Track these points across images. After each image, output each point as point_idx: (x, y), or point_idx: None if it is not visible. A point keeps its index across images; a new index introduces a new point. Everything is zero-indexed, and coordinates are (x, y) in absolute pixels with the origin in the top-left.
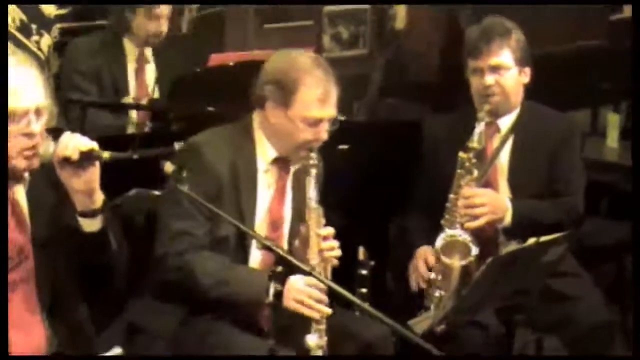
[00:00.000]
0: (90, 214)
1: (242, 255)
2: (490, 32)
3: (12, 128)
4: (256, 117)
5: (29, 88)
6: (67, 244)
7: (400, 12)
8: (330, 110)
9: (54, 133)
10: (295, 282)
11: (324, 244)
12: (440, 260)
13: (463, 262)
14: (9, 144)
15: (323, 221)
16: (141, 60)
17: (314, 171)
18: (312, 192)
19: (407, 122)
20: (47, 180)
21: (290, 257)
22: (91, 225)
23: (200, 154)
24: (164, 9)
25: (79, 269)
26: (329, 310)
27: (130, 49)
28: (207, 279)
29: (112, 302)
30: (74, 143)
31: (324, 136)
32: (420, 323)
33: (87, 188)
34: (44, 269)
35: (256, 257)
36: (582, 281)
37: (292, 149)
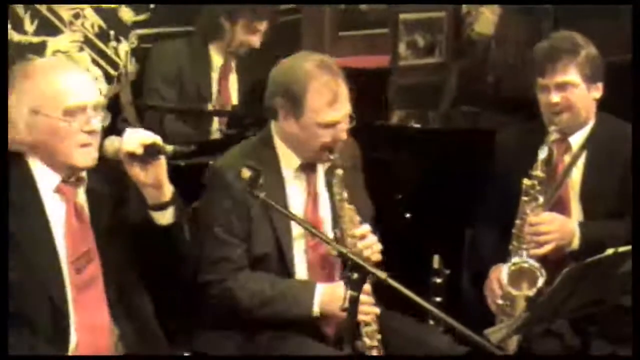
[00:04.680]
0: (161, 207)
1: (286, 271)
2: (556, 49)
3: (72, 125)
4: (274, 128)
5: (83, 86)
6: (140, 239)
7: (484, 17)
8: (342, 111)
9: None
10: (340, 291)
11: (361, 244)
12: (507, 290)
13: (530, 293)
14: (68, 141)
15: (357, 219)
16: (226, 70)
17: (339, 172)
18: (340, 194)
19: (483, 130)
20: (106, 178)
21: (365, 264)
22: (163, 217)
23: (222, 177)
24: (264, 24)
25: (151, 263)
26: (377, 310)
27: (216, 57)
28: (251, 301)
29: (180, 297)
30: (137, 138)
31: (343, 136)
32: (496, 333)
33: (155, 181)
34: (111, 268)
35: (301, 271)
36: None
37: (313, 153)
